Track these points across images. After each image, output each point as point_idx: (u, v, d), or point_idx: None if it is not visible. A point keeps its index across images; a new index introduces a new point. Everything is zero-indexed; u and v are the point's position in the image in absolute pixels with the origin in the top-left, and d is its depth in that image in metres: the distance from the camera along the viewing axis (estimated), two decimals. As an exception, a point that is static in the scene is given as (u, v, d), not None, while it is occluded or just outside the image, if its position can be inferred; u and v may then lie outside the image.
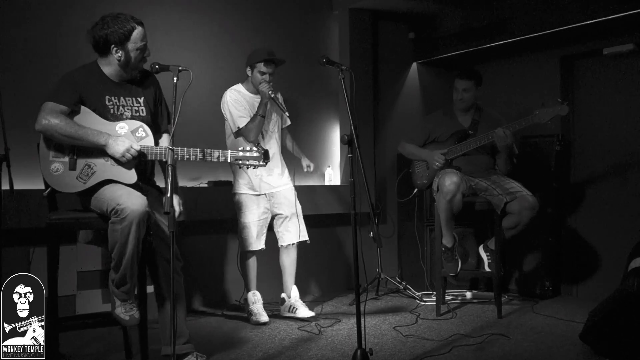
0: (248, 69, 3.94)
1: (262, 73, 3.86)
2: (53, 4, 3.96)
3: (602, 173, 4.62)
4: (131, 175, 2.78)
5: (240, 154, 2.88)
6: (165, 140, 3.01)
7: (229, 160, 2.87)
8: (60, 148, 2.73)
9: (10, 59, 3.75)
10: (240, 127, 3.86)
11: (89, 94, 2.79)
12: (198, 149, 2.82)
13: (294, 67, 4.08)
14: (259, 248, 3.96)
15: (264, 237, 3.99)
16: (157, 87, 3.03)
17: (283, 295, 4.12)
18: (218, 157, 2.85)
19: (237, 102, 3.91)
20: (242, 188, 3.96)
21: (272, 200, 3.99)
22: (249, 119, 3.85)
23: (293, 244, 4.01)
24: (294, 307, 4.00)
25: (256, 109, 3.85)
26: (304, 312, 3.97)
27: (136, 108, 2.89)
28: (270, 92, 3.80)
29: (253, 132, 3.83)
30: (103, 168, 2.75)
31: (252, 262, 3.99)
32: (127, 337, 3.10)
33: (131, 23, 2.76)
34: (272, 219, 4.05)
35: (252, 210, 3.95)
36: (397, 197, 5.10)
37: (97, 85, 2.81)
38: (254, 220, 3.94)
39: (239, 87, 4.01)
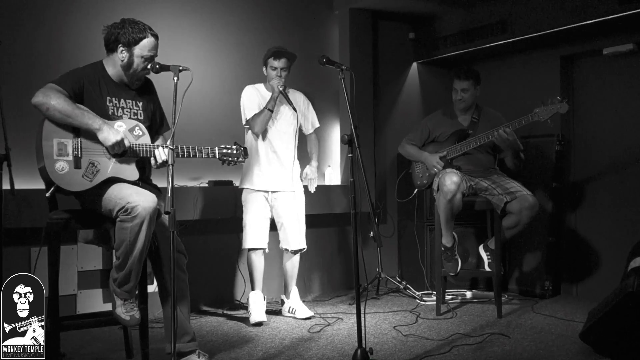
0: (263, 67, 4.02)
1: (274, 68, 3.93)
2: (54, 5, 3.97)
3: (602, 172, 4.62)
4: (133, 172, 2.81)
5: (224, 150, 2.96)
6: (159, 142, 3.04)
7: (217, 157, 2.94)
8: (62, 146, 2.72)
9: (12, 60, 3.75)
10: (248, 118, 3.94)
11: (92, 92, 2.81)
12: (191, 147, 2.88)
13: (294, 66, 4.09)
14: (258, 247, 3.94)
15: (264, 236, 3.98)
16: (155, 94, 3.07)
17: (282, 296, 4.16)
18: (208, 154, 2.92)
19: (251, 96, 3.99)
20: (245, 183, 4.01)
21: (273, 201, 4.00)
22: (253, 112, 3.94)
23: (288, 249, 4.03)
24: (293, 308, 4.03)
25: (266, 103, 3.91)
26: (303, 312, 4.00)
27: (135, 111, 2.91)
28: (279, 86, 3.84)
29: (258, 124, 3.89)
30: (107, 166, 2.77)
31: (256, 261, 3.98)
32: (127, 336, 3.10)
33: (146, 32, 2.82)
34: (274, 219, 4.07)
35: (253, 208, 3.97)
36: (397, 197, 5.10)
37: (101, 84, 2.84)
38: (252, 218, 3.96)
39: (259, 85, 4.09)
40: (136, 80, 2.91)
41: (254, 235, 3.94)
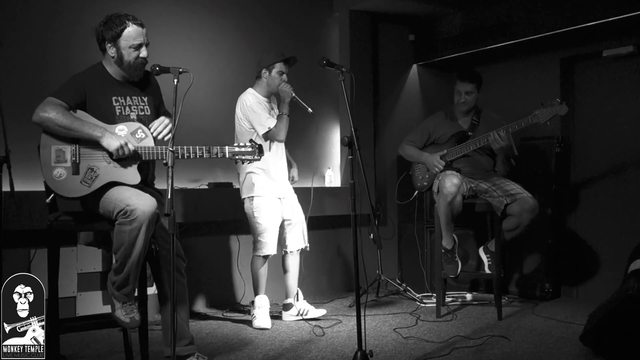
0: (264, 71, 3.93)
1: (281, 73, 3.89)
2: (54, 6, 3.97)
3: (602, 175, 4.62)
4: (134, 176, 2.78)
5: (237, 149, 2.90)
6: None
7: (227, 156, 2.88)
8: (61, 153, 2.73)
9: (12, 61, 3.75)
10: (271, 127, 3.84)
11: (96, 95, 2.80)
12: (197, 147, 2.83)
13: (294, 68, 4.09)
14: (273, 253, 3.93)
15: (277, 242, 3.97)
16: (156, 86, 3.05)
17: (290, 300, 4.08)
18: (217, 154, 2.87)
19: (259, 105, 3.91)
20: (259, 191, 3.89)
21: (282, 205, 3.99)
22: (275, 120, 3.87)
23: (298, 250, 4.04)
24: (305, 310, 4.02)
25: (279, 109, 3.88)
26: (315, 312, 4.01)
27: (141, 107, 2.90)
28: (292, 91, 3.83)
29: (283, 131, 3.83)
30: (106, 170, 2.75)
31: (264, 267, 3.95)
32: (127, 338, 3.09)
33: (126, 22, 2.78)
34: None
35: (270, 214, 3.89)
36: (397, 199, 5.10)
37: (104, 86, 2.83)
38: (270, 226, 3.89)
39: (253, 91, 4.00)
40: (135, 72, 2.87)
41: (272, 242, 3.90)
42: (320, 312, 4.01)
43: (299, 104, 3.84)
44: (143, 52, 2.82)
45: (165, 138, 2.86)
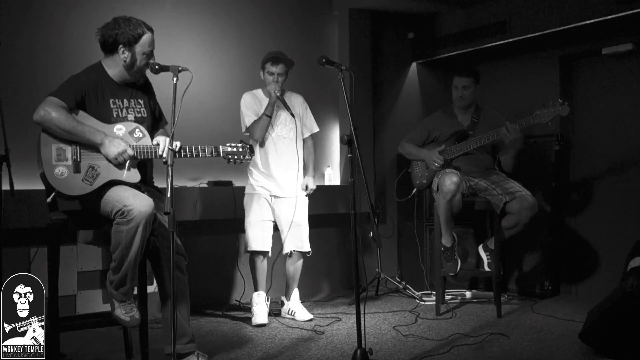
0: (261, 72, 3.98)
1: (271, 73, 3.89)
2: (54, 6, 3.97)
3: (601, 172, 4.62)
4: (134, 175, 2.80)
5: (229, 149, 2.94)
6: (161, 133, 3.04)
7: (221, 155, 2.92)
8: (61, 151, 2.74)
9: (11, 60, 3.75)
10: (247, 125, 3.91)
11: (94, 96, 2.81)
12: (193, 146, 2.86)
13: (293, 67, 4.09)
14: (260, 249, 3.93)
15: (267, 239, 3.96)
16: (152, 90, 3.07)
17: (283, 297, 4.15)
18: (211, 153, 2.90)
19: (248, 103, 3.97)
20: (249, 188, 4.01)
21: (275, 205, 3.99)
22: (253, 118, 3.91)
23: (291, 252, 4.01)
24: (292, 310, 4.03)
25: (264, 109, 3.88)
26: (302, 315, 3.99)
27: (138, 109, 2.92)
28: (276, 91, 3.82)
29: (257, 131, 3.87)
30: (107, 169, 2.77)
31: (259, 263, 3.98)
32: (127, 336, 3.10)
33: (142, 27, 2.80)
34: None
35: (255, 211, 3.95)
36: (397, 197, 5.10)
37: (103, 87, 2.84)
38: (255, 221, 3.94)
39: (257, 90, 4.05)
40: (140, 76, 2.90)
41: (256, 237, 3.93)
42: (307, 316, 3.99)
43: (285, 108, 3.87)
44: (152, 58, 2.85)
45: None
